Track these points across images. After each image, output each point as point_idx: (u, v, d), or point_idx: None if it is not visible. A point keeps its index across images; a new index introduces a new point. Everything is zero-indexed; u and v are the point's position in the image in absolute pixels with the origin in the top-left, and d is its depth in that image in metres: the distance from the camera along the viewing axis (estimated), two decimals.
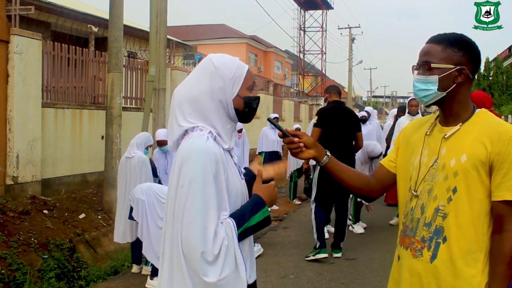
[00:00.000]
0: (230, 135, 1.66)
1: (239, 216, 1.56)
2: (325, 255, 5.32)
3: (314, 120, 5.32)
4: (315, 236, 5.37)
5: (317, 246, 5.35)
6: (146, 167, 5.05)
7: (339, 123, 5.35)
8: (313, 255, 5.35)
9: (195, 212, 1.46)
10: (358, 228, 6.80)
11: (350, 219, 7.02)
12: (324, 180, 5.24)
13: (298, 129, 10.20)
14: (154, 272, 4.70)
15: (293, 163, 9.47)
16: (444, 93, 1.66)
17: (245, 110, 1.67)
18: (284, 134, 1.78)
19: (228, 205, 1.56)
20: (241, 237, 1.55)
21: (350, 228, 6.75)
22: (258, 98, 1.71)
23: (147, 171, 5.05)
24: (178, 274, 1.49)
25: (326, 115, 5.34)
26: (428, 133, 1.74)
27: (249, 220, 1.58)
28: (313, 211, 5.43)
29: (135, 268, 5.21)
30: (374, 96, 65.90)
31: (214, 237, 1.46)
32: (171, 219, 1.53)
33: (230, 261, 1.49)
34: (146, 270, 5.08)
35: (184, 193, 1.49)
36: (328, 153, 1.83)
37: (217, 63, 1.63)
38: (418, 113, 7.14)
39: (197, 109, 1.60)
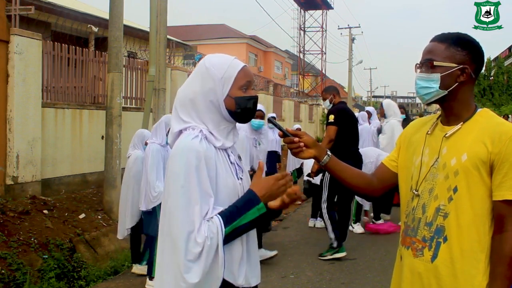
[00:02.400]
0: (225, 135, 1.64)
1: (228, 214, 1.52)
2: (345, 253, 5.43)
3: (330, 119, 5.34)
4: (332, 236, 5.44)
5: (335, 245, 5.44)
6: (136, 165, 4.97)
7: (353, 123, 5.59)
8: (331, 254, 5.44)
9: (176, 207, 1.48)
10: (358, 228, 6.81)
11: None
12: (335, 181, 5.30)
13: (298, 129, 10.22)
14: (150, 271, 4.70)
15: (292, 163, 9.46)
16: (446, 92, 1.66)
17: (237, 110, 1.63)
18: (284, 134, 1.77)
19: (217, 203, 1.54)
20: (231, 235, 1.51)
21: (350, 228, 6.76)
22: (254, 97, 1.66)
23: (137, 169, 4.94)
24: (165, 268, 1.49)
25: (342, 115, 5.44)
26: (429, 132, 1.74)
27: (241, 218, 1.53)
28: (325, 212, 5.47)
29: (135, 268, 5.21)
30: (374, 96, 65.86)
31: (195, 234, 1.45)
32: (163, 216, 1.55)
33: (210, 259, 1.46)
34: (139, 269, 5.08)
35: (168, 189, 1.52)
36: (329, 153, 1.82)
37: (208, 64, 1.64)
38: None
39: (191, 109, 1.63)
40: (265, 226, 5.54)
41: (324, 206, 5.50)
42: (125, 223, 5.02)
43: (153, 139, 4.69)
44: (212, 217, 1.50)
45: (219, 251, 1.48)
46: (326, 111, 8.36)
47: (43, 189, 6.89)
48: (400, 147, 1.87)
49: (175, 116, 1.66)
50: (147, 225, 4.70)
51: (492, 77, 33.78)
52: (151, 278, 4.71)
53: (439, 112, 1.78)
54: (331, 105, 5.58)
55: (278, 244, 6.13)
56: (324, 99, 5.66)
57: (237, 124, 1.72)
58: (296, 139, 1.76)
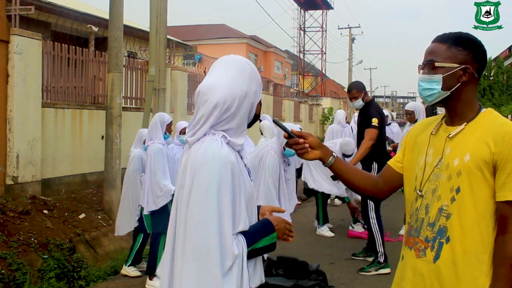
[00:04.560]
0: (244, 137, 1.65)
1: (249, 235, 1.55)
2: (389, 270, 4.90)
3: (374, 123, 4.98)
4: (381, 249, 4.98)
5: (382, 260, 4.96)
6: (133, 164, 4.99)
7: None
8: (376, 270, 4.96)
9: (209, 220, 1.43)
10: (358, 228, 6.80)
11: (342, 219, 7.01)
12: None
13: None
14: (149, 271, 4.69)
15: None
16: (449, 93, 1.65)
17: (259, 115, 1.72)
18: (289, 135, 1.76)
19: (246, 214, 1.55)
20: (248, 256, 1.54)
21: (350, 228, 6.76)
22: None
23: (133, 167, 4.98)
24: (192, 277, 1.45)
25: (383, 118, 5.20)
26: (433, 132, 1.73)
27: (258, 242, 1.58)
28: (374, 223, 5.02)
29: (123, 270, 5.19)
30: (374, 96, 65.88)
31: (229, 248, 1.44)
32: (184, 225, 1.49)
33: (240, 278, 1.48)
34: (125, 270, 5.08)
35: (199, 200, 1.46)
36: (334, 154, 1.81)
37: (252, 66, 1.67)
38: (416, 120, 7.14)
39: (235, 108, 1.58)
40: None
41: (372, 215, 5.04)
42: (124, 223, 5.04)
43: (151, 140, 4.69)
44: (237, 235, 1.51)
45: (244, 270, 1.49)
46: (348, 111, 8.23)
47: (43, 189, 6.88)
48: (405, 148, 1.85)
49: (214, 115, 1.55)
50: (157, 224, 4.66)
51: (492, 77, 33.78)
52: (151, 278, 4.70)
53: (443, 113, 1.77)
54: (363, 103, 5.17)
55: (278, 244, 6.11)
56: (356, 98, 5.10)
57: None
58: (301, 140, 1.75)
